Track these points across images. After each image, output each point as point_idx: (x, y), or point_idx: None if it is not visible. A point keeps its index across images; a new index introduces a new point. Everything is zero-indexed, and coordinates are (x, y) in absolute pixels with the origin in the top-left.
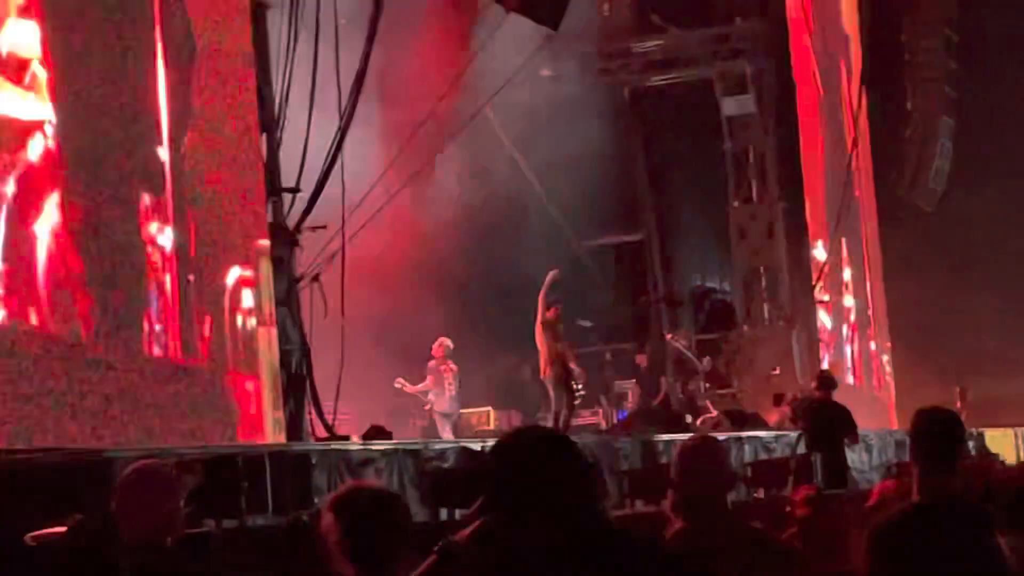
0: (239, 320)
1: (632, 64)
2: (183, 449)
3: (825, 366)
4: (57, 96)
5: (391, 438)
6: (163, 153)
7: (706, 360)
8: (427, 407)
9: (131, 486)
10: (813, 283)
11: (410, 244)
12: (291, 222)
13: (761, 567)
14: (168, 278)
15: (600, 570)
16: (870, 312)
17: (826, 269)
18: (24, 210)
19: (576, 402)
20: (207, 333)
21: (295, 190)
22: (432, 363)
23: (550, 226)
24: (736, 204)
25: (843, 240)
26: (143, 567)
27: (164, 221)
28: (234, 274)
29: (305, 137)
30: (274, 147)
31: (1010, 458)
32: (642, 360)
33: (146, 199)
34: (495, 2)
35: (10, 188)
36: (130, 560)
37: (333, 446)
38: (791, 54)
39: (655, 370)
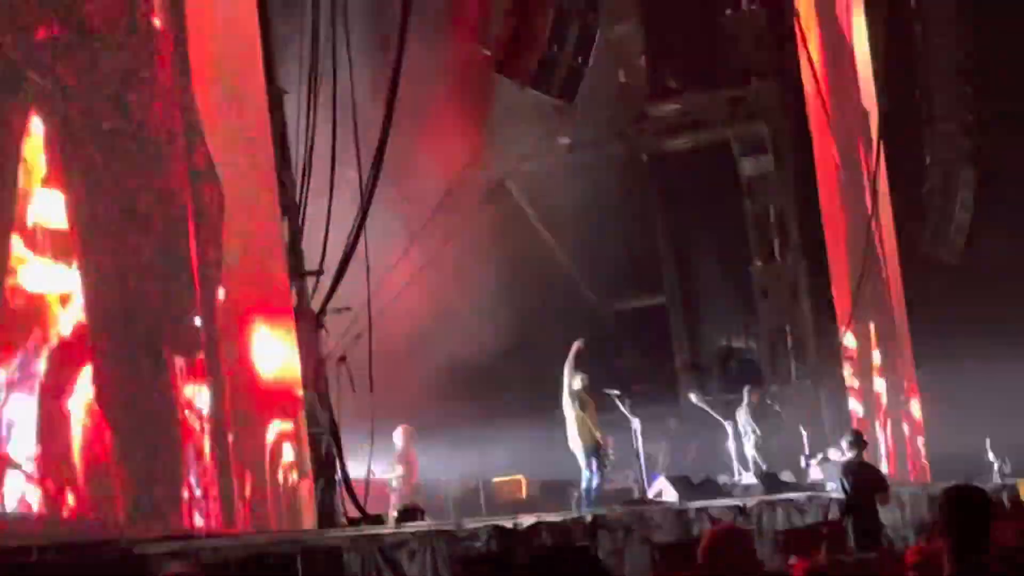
0: (280, 476)
1: (649, 128)
2: (214, 541)
3: (854, 424)
4: (84, 264)
5: (424, 517)
6: (195, 311)
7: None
8: (393, 494)
9: None
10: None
11: (434, 317)
12: (315, 304)
13: None
14: (207, 441)
15: None
16: (903, 381)
17: (854, 355)
18: (57, 387)
19: (606, 469)
20: (248, 493)
21: (318, 272)
22: (399, 452)
23: (574, 293)
24: (759, 264)
25: (871, 323)
26: None
27: (199, 381)
28: (274, 429)
29: (327, 219)
30: (295, 230)
31: None
32: (672, 423)
33: (180, 362)
34: (510, 78)
35: (43, 365)
36: None
37: (365, 531)
38: (808, 113)
39: (685, 432)
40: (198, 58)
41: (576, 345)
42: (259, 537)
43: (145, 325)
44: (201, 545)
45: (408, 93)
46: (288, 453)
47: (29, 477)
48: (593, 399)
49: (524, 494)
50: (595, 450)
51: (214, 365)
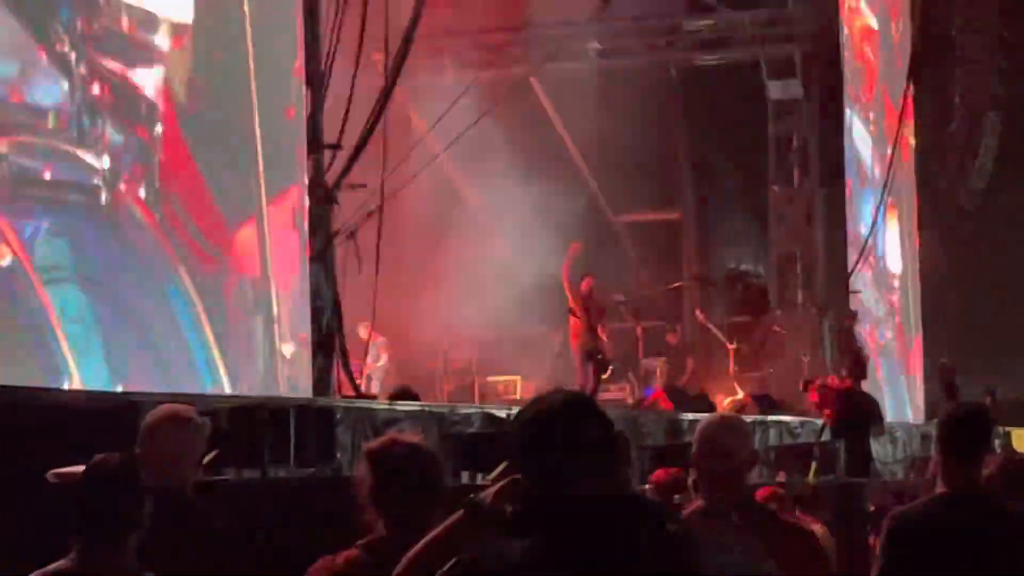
0: None
1: (681, 42)
2: (209, 397)
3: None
4: None
5: (418, 399)
6: None
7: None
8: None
9: (155, 430)
10: (851, 270)
11: (447, 207)
12: (330, 179)
13: (775, 548)
14: None
15: (616, 539)
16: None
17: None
18: None
19: (603, 375)
20: None
21: (336, 146)
22: (380, 339)
23: (588, 198)
24: (776, 188)
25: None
26: (162, 511)
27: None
28: None
29: (350, 94)
30: (319, 102)
31: None
32: (672, 338)
33: None
34: None
35: None
36: (149, 503)
37: (358, 404)
38: (842, 41)
39: (685, 349)
40: None
41: (572, 248)
42: (252, 396)
43: None
44: (197, 398)
45: None
46: None
47: None
48: (599, 304)
49: (518, 394)
50: (593, 354)
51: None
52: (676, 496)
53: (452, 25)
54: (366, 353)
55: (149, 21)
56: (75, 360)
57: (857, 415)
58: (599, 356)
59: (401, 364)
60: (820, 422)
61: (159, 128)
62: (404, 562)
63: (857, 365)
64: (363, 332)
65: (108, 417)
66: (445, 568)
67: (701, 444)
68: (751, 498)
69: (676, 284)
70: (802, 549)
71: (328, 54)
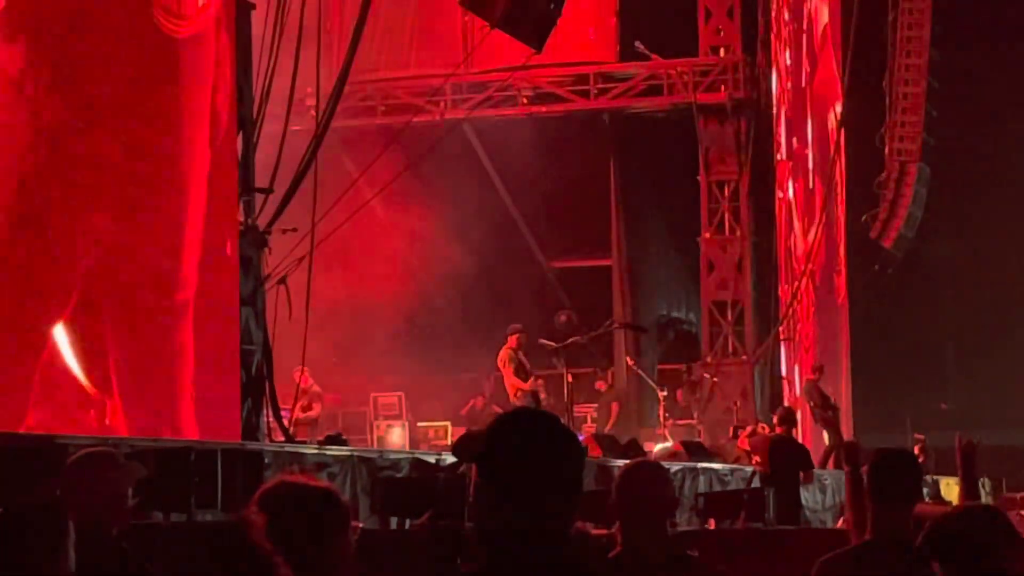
0: None
1: (613, 90)
2: (136, 440)
3: (786, 403)
4: None
5: (347, 446)
6: None
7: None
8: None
9: (79, 471)
10: (782, 317)
11: (378, 253)
12: (261, 222)
13: None
14: None
15: None
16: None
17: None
18: None
19: None
20: None
21: (268, 190)
22: (315, 389)
23: (520, 245)
24: (707, 235)
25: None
26: (87, 553)
27: None
28: None
29: (281, 138)
30: (250, 146)
31: None
32: (602, 385)
33: None
34: (479, 17)
35: None
36: (75, 545)
37: (287, 448)
38: (773, 89)
39: (613, 395)
40: None
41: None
42: (179, 440)
43: None
44: (123, 442)
45: (376, 23)
46: None
47: None
48: (527, 352)
49: (449, 441)
50: (537, 402)
51: None
52: None
53: (385, 71)
54: (297, 398)
55: None
56: None
57: (787, 462)
58: (536, 402)
59: (331, 410)
60: (750, 469)
61: None
62: None
63: (787, 412)
64: (298, 377)
65: (33, 459)
66: None
67: (620, 489)
68: (672, 544)
69: (606, 330)
70: None
71: (259, 99)
